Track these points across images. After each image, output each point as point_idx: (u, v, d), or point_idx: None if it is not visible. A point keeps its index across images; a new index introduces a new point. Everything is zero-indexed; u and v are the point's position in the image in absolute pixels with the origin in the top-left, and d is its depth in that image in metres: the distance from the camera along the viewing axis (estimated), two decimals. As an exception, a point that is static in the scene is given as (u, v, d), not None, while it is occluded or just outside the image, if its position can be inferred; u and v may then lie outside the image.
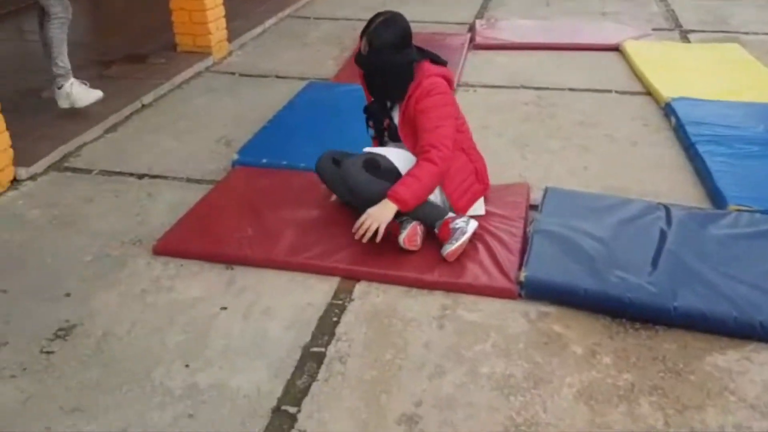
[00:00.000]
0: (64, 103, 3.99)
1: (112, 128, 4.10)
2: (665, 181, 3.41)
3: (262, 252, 2.76)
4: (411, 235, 2.70)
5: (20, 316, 2.49)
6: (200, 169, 3.62)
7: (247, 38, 5.85)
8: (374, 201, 2.64)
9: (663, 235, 2.74)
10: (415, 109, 2.74)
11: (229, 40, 5.53)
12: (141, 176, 3.55)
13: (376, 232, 2.60)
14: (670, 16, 6.48)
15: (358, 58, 2.81)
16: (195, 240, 2.86)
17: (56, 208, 3.22)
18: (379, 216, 2.61)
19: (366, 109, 2.96)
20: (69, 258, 2.83)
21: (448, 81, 2.81)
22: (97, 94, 4.05)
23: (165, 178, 3.54)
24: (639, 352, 2.29)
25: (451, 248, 2.62)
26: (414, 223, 2.72)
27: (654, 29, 5.95)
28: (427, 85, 2.71)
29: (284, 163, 3.49)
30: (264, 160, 3.52)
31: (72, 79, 3.97)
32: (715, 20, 6.30)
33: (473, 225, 2.72)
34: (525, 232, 2.88)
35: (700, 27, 6.09)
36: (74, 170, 3.60)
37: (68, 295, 2.60)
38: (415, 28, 5.96)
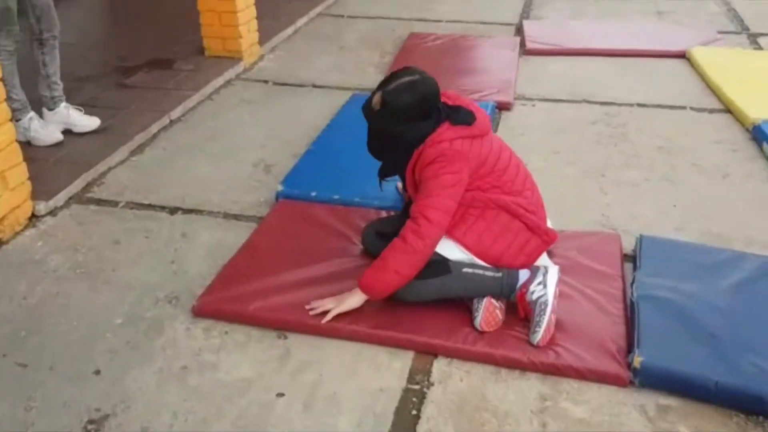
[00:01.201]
0: (20, 137, 3.46)
1: (139, 149, 3.71)
2: (772, 225, 2.99)
3: (319, 317, 2.36)
4: (488, 318, 2.29)
5: (44, 400, 2.11)
6: (239, 202, 3.22)
7: (278, 40, 5.43)
8: (426, 301, 2.34)
9: (794, 305, 2.32)
10: (418, 176, 2.36)
11: (260, 42, 5.11)
12: (173, 210, 3.15)
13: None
14: (734, 16, 6.00)
15: (367, 111, 2.39)
16: (239, 300, 2.46)
17: (80, 252, 2.84)
18: (340, 302, 2.33)
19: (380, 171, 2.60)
20: (97, 320, 2.45)
21: (472, 137, 2.34)
22: (60, 130, 3.62)
23: (200, 212, 3.14)
24: (788, 464, 1.89)
25: (539, 336, 2.21)
26: (486, 299, 2.31)
27: (719, 32, 5.47)
28: (430, 153, 2.30)
29: (336, 197, 3.09)
30: (313, 194, 3.11)
31: (30, 114, 3.53)
32: (783, 22, 5.82)
33: (553, 281, 2.29)
34: (624, 294, 2.47)
35: (769, 30, 5.62)
36: (99, 202, 3.22)
37: (98, 372, 2.22)
38: (456, 28, 5.61)
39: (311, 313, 2.36)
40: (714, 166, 3.50)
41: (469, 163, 2.32)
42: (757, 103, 3.98)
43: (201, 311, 2.45)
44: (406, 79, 2.34)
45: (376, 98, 2.35)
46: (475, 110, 2.42)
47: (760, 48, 5.24)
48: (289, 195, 3.13)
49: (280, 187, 3.17)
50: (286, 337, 2.36)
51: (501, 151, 2.45)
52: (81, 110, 3.74)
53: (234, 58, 4.81)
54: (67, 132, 3.66)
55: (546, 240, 2.44)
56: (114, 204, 3.20)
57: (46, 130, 3.57)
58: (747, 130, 3.84)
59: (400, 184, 3.11)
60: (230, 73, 4.69)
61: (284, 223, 2.95)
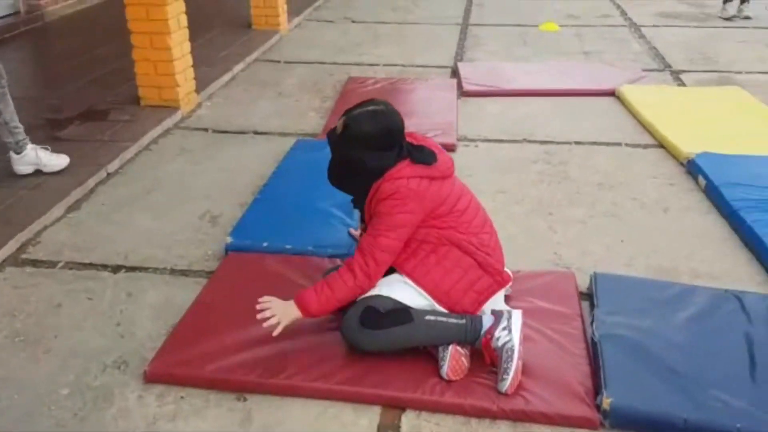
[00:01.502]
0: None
1: (76, 205, 3.55)
2: (715, 257, 3.08)
3: (281, 376, 2.28)
4: (455, 366, 2.25)
5: (-18, 487, 1.95)
6: (186, 256, 3.11)
7: (215, 87, 5.35)
8: (390, 351, 2.31)
9: (748, 336, 2.38)
10: (373, 209, 2.37)
11: (197, 90, 5.03)
12: (116, 269, 3.01)
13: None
14: (656, 54, 6.28)
15: (330, 135, 2.42)
16: (194, 363, 2.34)
17: (18, 319, 2.67)
18: (282, 312, 2.33)
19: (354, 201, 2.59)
20: (40, 392, 2.29)
21: (430, 178, 2.34)
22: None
23: (145, 270, 3.01)
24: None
25: (507, 383, 2.18)
26: (451, 347, 2.28)
27: (644, 70, 5.72)
28: (387, 188, 2.31)
29: (288, 246, 3.02)
30: (264, 244, 3.04)
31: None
32: (702, 59, 6.13)
33: (518, 325, 2.28)
34: (585, 333, 2.48)
35: (689, 67, 5.90)
36: (35, 263, 3.05)
37: (44, 451, 2.07)
38: (393, 71, 5.68)
39: (259, 316, 2.31)
40: (653, 200, 3.61)
41: (423, 203, 2.32)
42: (689, 138, 4.15)
43: (153, 377, 2.32)
44: (371, 107, 2.37)
45: (340, 122, 2.37)
46: (439, 153, 2.43)
47: (683, 84, 5.49)
48: (239, 247, 3.04)
49: (229, 239, 3.08)
50: (245, 399, 2.26)
51: (461, 194, 2.45)
52: (48, 149, 3.72)
53: (171, 107, 4.70)
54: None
55: (499, 281, 2.43)
56: (52, 265, 3.03)
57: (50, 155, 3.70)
58: (681, 164, 3.98)
59: (352, 230, 3.08)
60: (168, 122, 4.58)
61: (236, 277, 2.86)
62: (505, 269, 2.50)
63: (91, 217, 3.45)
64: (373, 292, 2.36)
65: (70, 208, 3.51)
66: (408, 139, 2.44)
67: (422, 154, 2.37)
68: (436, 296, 2.35)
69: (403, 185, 2.30)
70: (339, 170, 2.47)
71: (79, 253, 3.12)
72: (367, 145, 2.33)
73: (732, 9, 7.54)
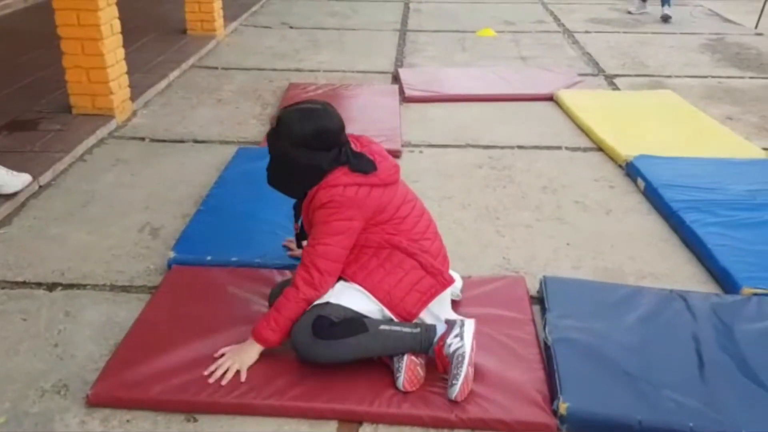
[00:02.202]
0: None
1: (6, 220, 3.37)
2: (658, 258, 3.15)
3: (232, 395, 2.20)
4: (410, 376, 2.22)
5: None
6: (126, 272, 2.99)
7: (151, 95, 5.20)
8: (343, 362, 2.25)
9: (694, 335, 2.44)
10: (311, 217, 2.35)
11: (132, 98, 4.86)
12: (52, 287, 2.87)
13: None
14: (590, 60, 6.43)
15: (268, 132, 2.41)
16: (139, 384, 2.23)
17: (-55, 344, 2.50)
18: (241, 358, 2.27)
19: (295, 206, 2.53)
20: (-28, 422, 2.15)
21: (370, 186, 2.31)
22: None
23: (83, 287, 2.88)
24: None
25: (456, 389, 2.15)
26: (406, 357, 2.25)
27: (579, 74, 5.84)
28: (322, 196, 2.28)
29: (234, 259, 2.94)
30: (209, 257, 2.94)
31: None
32: (633, 63, 6.31)
33: (470, 333, 2.26)
34: (537, 338, 2.49)
35: (622, 71, 6.06)
36: (-37, 284, 2.87)
37: (-21, 486, 1.94)
38: (334, 77, 5.65)
39: (211, 380, 2.23)
40: (596, 203, 3.68)
41: (362, 210, 2.30)
42: (626, 141, 4.25)
43: (96, 401, 2.21)
44: (308, 105, 2.35)
45: (273, 116, 2.30)
46: (382, 159, 2.39)
47: (617, 88, 5.64)
48: (182, 261, 2.94)
49: (171, 254, 2.98)
50: (196, 420, 2.17)
51: (404, 201, 2.42)
52: (11, 171, 3.51)
53: (105, 116, 4.53)
54: None
55: (442, 281, 2.39)
56: (-19, 284, 2.87)
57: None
58: (620, 166, 4.07)
59: (286, 241, 3.00)
60: (102, 132, 4.42)
61: (180, 292, 2.75)
62: (452, 273, 2.50)
63: (24, 233, 3.28)
64: (322, 300, 2.31)
65: (1, 224, 3.33)
66: (354, 142, 2.41)
67: (360, 162, 2.33)
68: (377, 296, 2.32)
69: (338, 193, 2.27)
70: (274, 168, 2.42)
71: (11, 271, 2.95)
72: (299, 143, 2.29)
73: (637, 7, 8.15)
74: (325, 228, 2.28)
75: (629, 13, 8.26)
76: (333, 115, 2.35)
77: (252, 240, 3.07)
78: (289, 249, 2.96)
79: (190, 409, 2.19)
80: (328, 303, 2.29)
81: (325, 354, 2.24)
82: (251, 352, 2.28)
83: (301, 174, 2.33)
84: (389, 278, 2.33)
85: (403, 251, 2.35)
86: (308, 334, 2.23)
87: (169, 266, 2.95)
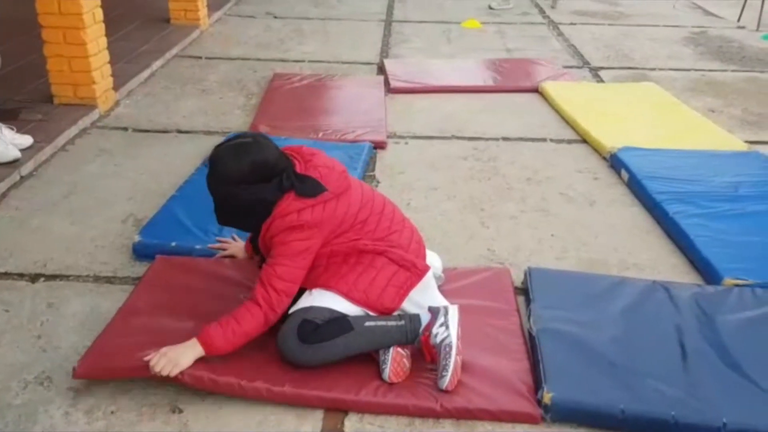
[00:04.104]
0: None
1: (-14, 211, 3.34)
2: (641, 248, 3.17)
3: (220, 377, 2.19)
4: (396, 368, 2.22)
5: None
6: (110, 263, 2.97)
7: (134, 84, 5.15)
8: (333, 362, 2.25)
9: (677, 325, 2.47)
10: (269, 244, 2.32)
11: (115, 87, 4.82)
12: (35, 278, 2.84)
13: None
14: (575, 52, 6.45)
15: (206, 176, 2.34)
16: (126, 355, 2.22)
17: (-74, 335, 2.47)
18: (176, 359, 2.13)
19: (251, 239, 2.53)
20: (-46, 414, 2.13)
21: (323, 202, 2.28)
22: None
23: (66, 278, 2.85)
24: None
25: (446, 380, 2.17)
26: (392, 349, 2.25)
27: (564, 67, 5.86)
28: (277, 226, 2.26)
29: (198, 247, 2.93)
30: (173, 243, 2.94)
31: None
32: (618, 56, 6.34)
33: (455, 321, 2.26)
34: (522, 329, 2.51)
35: (607, 63, 6.09)
36: (-57, 275, 2.84)
37: (-39, 478, 1.92)
38: (319, 68, 5.62)
39: (151, 371, 2.12)
40: (580, 194, 3.70)
41: (320, 228, 2.28)
42: (610, 133, 4.28)
43: (83, 373, 2.20)
44: (234, 141, 2.30)
45: (205, 159, 2.30)
46: (328, 171, 2.34)
47: (601, 80, 5.66)
48: (147, 245, 2.95)
49: (136, 238, 2.96)
50: (181, 411, 2.17)
51: (362, 204, 2.38)
52: (13, 129, 3.76)
53: (88, 105, 4.49)
54: None
55: (416, 272, 2.38)
56: (-38, 275, 2.84)
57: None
58: (604, 158, 4.10)
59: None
60: (85, 122, 4.37)
61: (165, 281, 2.73)
62: (430, 253, 2.53)
63: (5, 224, 3.25)
64: (306, 303, 2.31)
65: (-19, 214, 3.30)
66: (295, 160, 2.36)
67: (305, 187, 2.28)
68: (354, 297, 2.31)
69: (294, 220, 2.24)
70: (220, 209, 2.38)
71: (-8, 263, 2.93)
72: (236, 180, 2.25)
73: (498, 3, 8.05)
74: (284, 249, 2.25)
75: (490, 8, 7.99)
76: (265, 145, 2.30)
77: (220, 228, 3.03)
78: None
79: (177, 382, 2.15)
80: (311, 306, 2.29)
81: (314, 358, 2.23)
82: (189, 356, 2.15)
83: (248, 210, 2.30)
84: (362, 279, 2.32)
85: (371, 251, 2.35)
86: (294, 340, 2.22)
87: (134, 250, 2.97)
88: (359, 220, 2.36)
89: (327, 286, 2.32)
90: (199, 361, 2.18)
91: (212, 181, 2.31)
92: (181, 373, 2.14)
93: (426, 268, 2.42)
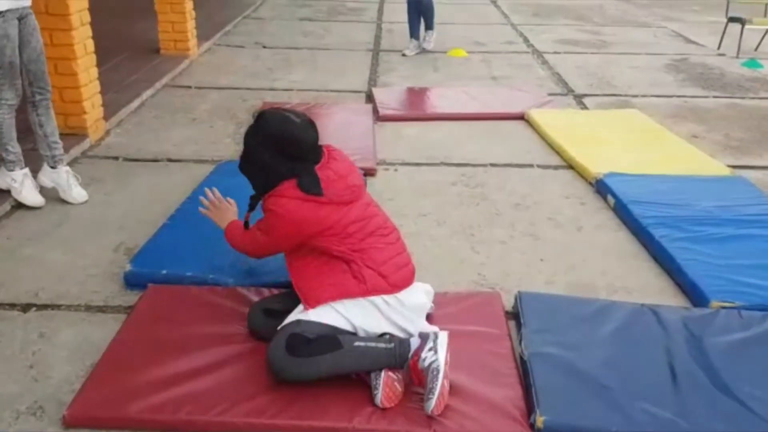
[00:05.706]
0: (2, 185, 3.69)
1: (-23, 241, 3.33)
2: (629, 273, 3.22)
3: (210, 412, 2.19)
4: (388, 393, 2.24)
5: None
6: (101, 292, 2.97)
7: (124, 114, 5.19)
8: (321, 379, 2.27)
9: (666, 348, 2.50)
10: (263, 211, 2.49)
11: (105, 117, 4.85)
12: (26, 307, 2.84)
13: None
14: (559, 80, 6.56)
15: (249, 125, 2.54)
16: (117, 403, 2.22)
17: None
18: (220, 221, 2.80)
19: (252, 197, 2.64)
20: (-55, 446, 2.12)
21: (318, 203, 2.37)
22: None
23: (58, 307, 2.85)
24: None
25: (432, 403, 2.18)
26: (384, 373, 2.26)
27: (549, 94, 5.96)
28: (269, 202, 2.43)
29: (189, 274, 2.95)
30: (164, 271, 2.95)
31: (26, 170, 3.66)
32: (601, 83, 6.45)
33: (443, 346, 2.26)
34: (513, 353, 2.53)
35: (590, 91, 6.19)
36: (-66, 305, 2.83)
37: None
38: (308, 97, 5.68)
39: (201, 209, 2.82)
40: (568, 219, 3.75)
41: (300, 227, 2.38)
42: (596, 159, 4.35)
43: (72, 421, 2.19)
44: (288, 113, 2.46)
45: (256, 110, 2.52)
46: (338, 179, 2.41)
47: (586, 107, 5.76)
48: (138, 274, 2.95)
49: (128, 267, 2.97)
50: (174, 442, 2.17)
51: (357, 219, 2.42)
52: (79, 179, 3.80)
53: (78, 135, 4.51)
54: None
55: (363, 289, 2.36)
56: (-47, 306, 2.83)
57: (32, 192, 3.67)
58: (590, 184, 4.16)
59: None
60: (76, 151, 4.39)
61: (157, 311, 2.74)
62: (422, 284, 2.57)
63: (-5, 254, 3.25)
64: (297, 317, 2.33)
65: (-29, 245, 3.30)
66: (325, 154, 2.48)
67: (308, 182, 2.38)
68: (298, 284, 2.43)
69: (281, 204, 2.37)
70: (244, 158, 2.53)
71: (-16, 293, 2.92)
72: (266, 142, 2.40)
73: (411, 49, 7.39)
74: (266, 224, 2.47)
75: (403, 55, 7.31)
76: (309, 131, 2.42)
77: (211, 256, 3.04)
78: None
79: (169, 428, 2.18)
80: (299, 321, 2.32)
81: (299, 372, 2.25)
82: (224, 225, 2.77)
83: (262, 172, 2.44)
84: (319, 274, 2.41)
85: (339, 257, 2.40)
86: (282, 353, 2.25)
87: (126, 279, 2.97)
88: (347, 232, 2.41)
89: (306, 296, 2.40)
90: (188, 399, 2.23)
91: (251, 131, 2.47)
92: (173, 414, 2.19)
93: (374, 292, 2.38)
